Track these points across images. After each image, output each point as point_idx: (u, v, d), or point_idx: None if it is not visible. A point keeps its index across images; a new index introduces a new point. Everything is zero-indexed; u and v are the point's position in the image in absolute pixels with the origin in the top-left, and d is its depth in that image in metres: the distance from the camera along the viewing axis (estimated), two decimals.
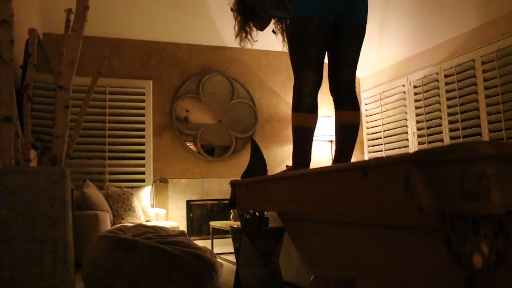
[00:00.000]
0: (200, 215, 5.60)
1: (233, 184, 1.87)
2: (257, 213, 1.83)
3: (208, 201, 5.58)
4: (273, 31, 2.38)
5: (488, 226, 0.74)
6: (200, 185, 5.48)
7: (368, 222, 1.24)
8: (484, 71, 4.36)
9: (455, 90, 4.65)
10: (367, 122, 6.00)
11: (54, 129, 2.04)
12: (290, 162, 5.76)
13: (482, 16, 4.36)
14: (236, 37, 2.35)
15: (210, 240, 4.79)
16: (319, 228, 1.51)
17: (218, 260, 3.08)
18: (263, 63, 5.96)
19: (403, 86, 5.38)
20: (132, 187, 5.04)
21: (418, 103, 5.14)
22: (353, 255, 1.34)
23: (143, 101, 5.39)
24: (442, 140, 4.82)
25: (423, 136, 5.07)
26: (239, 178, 1.86)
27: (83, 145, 5.05)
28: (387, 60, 5.64)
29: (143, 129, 5.34)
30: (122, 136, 5.27)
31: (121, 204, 4.53)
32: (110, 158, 5.18)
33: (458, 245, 0.75)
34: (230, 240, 3.38)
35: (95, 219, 4.08)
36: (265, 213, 2.59)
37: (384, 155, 5.61)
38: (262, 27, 2.37)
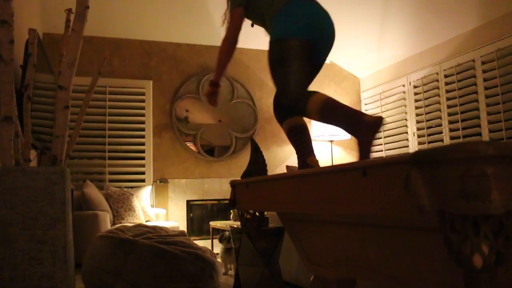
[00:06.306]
0: (200, 215, 5.59)
1: (233, 184, 1.88)
2: (257, 213, 1.83)
3: (208, 201, 5.57)
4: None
5: (488, 226, 0.74)
6: (200, 185, 5.48)
7: (368, 222, 1.24)
8: (484, 71, 4.35)
9: (455, 90, 4.65)
10: None
11: (54, 129, 2.04)
12: (290, 162, 5.79)
13: (482, 16, 4.36)
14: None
15: (210, 240, 4.79)
16: (319, 228, 1.51)
17: (218, 260, 3.08)
18: (263, 63, 5.95)
19: (403, 86, 5.38)
20: (132, 187, 5.04)
21: (418, 103, 5.14)
22: (353, 255, 1.34)
23: (143, 101, 5.39)
24: (442, 140, 4.82)
25: (423, 136, 5.07)
26: (239, 178, 1.86)
27: (83, 145, 5.05)
28: (387, 60, 5.64)
29: (143, 129, 5.34)
30: (122, 136, 5.27)
31: (121, 204, 4.53)
32: (110, 158, 5.18)
33: (458, 245, 0.75)
34: None
35: (95, 219, 4.08)
36: (265, 213, 2.59)
37: (384, 155, 5.61)
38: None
